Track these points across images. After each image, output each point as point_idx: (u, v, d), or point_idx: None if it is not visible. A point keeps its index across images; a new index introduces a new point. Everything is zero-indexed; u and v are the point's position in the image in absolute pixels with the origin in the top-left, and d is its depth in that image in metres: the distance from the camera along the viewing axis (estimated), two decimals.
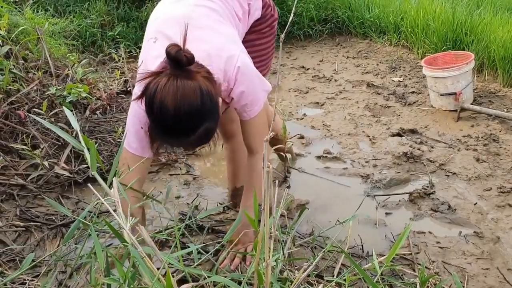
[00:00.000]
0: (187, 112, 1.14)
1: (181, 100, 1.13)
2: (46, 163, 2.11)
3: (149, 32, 1.43)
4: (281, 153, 2.30)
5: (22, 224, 1.86)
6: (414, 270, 1.62)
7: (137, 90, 1.31)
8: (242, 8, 1.56)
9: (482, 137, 2.62)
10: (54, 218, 1.93)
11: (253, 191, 1.20)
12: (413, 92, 3.35)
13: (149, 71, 1.20)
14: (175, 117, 1.15)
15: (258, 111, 1.44)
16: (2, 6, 2.86)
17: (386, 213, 2.01)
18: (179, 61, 1.14)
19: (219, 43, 1.35)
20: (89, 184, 1.10)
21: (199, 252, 1.60)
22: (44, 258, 1.64)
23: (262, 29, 1.70)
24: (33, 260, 1.49)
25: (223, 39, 1.38)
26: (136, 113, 1.38)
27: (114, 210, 1.02)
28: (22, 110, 2.34)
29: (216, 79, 1.25)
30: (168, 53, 1.13)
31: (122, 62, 3.57)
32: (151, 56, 1.33)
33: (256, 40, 1.69)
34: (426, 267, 1.62)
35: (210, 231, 1.82)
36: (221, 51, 1.32)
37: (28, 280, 1.52)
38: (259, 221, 0.98)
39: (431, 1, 4.21)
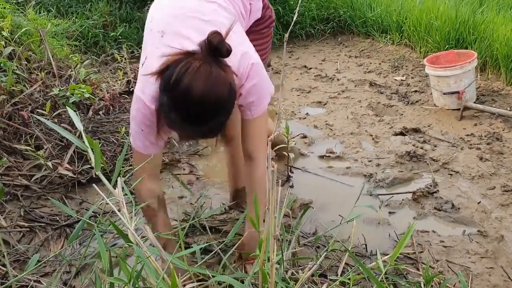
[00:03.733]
0: (212, 100, 1.13)
1: (211, 87, 1.11)
2: (49, 163, 2.12)
3: (155, 23, 1.37)
4: (284, 152, 2.30)
5: (26, 224, 1.87)
6: (418, 269, 1.62)
7: (140, 85, 1.30)
8: (245, 7, 1.56)
9: (485, 136, 2.61)
10: (58, 219, 1.94)
11: (256, 200, 1.19)
12: (415, 91, 3.34)
13: (183, 50, 1.17)
14: (199, 102, 1.12)
15: (262, 111, 1.43)
16: (5, 7, 2.87)
17: (390, 212, 2.01)
18: (219, 50, 1.12)
19: (232, 40, 1.30)
20: (93, 185, 1.10)
21: (204, 251, 1.61)
22: (48, 259, 1.64)
23: (261, 29, 1.72)
24: (38, 261, 1.50)
25: (235, 36, 1.34)
26: (138, 112, 1.34)
27: (119, 210, 1.02)
28: (26, 111, 2.35)
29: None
30: (210, 40, 1.11)
31: (124, 62, 3.58)
32: (157, 55, 1.27)
33: (254, 41, 1.68)
34: (430, 266, 1.62)
35: (214, 230, 1.83)
36: (235, 48, 1.28)
37: (32, 280, 1.52)
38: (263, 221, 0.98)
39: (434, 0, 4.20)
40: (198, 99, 1.11)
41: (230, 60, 1.23)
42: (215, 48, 1.12)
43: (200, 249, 1.39)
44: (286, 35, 0.94)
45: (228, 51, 1.13)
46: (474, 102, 3.00)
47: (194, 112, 1.15)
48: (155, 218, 1.47)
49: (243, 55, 1.32)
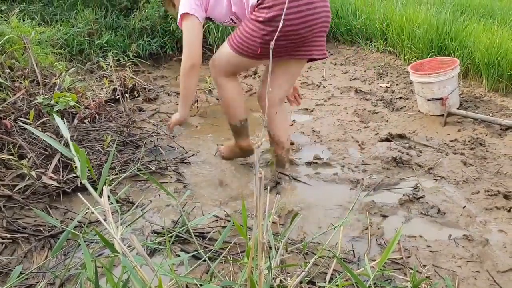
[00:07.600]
0: None
1: None
2: (33, 173, 2.08)
3: None
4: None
5: (9, 235, 1.82)
6: (405, 274, 1.63)
7: None
8: None
9: (469, 141, 2.66)
10: (42, 229, 1.90)
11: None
12: (400, 98, 3.39)
13: None
14: None
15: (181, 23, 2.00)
16: None
17: (377, 218, 2.02)
18: None
19: None
20: (78, 194, 1.08)
21: (192, 260, 1.59)
22: (32, 270, 1.61)
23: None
24: (21, 273, 1.46)
25: None
26: None
27: (105, 219, 1.01)
28: (9, 119, 2.31)
29: None
30: None
31: (110, 70, 3.55)
32: None
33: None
34: (417, 271, 1.63)
35: (201, 238, 1.81)
36: None
37: None
38: (250, 228, 0.98)
39: (415, 7, 4.29)
40: None
41: None
42: None
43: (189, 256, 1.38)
44: (272, 43, 0.94)
45: None
46: (458, 108, 3.05)
47: None
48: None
49: None
